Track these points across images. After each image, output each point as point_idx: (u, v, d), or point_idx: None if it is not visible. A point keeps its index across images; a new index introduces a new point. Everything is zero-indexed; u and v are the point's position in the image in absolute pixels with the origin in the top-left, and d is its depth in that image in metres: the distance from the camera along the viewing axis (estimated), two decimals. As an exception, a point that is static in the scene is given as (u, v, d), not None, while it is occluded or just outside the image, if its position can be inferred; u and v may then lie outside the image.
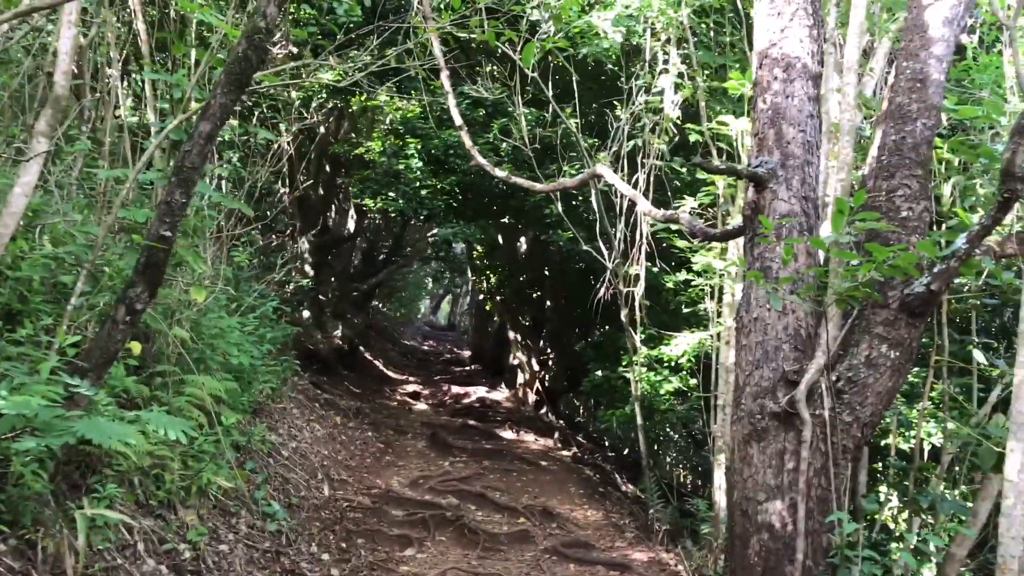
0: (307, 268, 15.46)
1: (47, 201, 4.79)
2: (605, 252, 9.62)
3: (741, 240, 7.74)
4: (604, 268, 9.88)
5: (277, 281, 14.49)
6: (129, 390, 5.15)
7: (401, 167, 9.87)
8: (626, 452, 17.86)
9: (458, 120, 6.70)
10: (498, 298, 15.48)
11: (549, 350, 15.28)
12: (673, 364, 10.12)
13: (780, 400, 5.08)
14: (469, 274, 22.95)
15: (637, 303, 9.58)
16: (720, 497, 8.17)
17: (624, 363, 10.37)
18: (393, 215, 23.45)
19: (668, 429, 10.80)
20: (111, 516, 3.65)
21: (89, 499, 3.84)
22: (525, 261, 14.84)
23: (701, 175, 8.24)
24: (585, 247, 9.67)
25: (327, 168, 15.61)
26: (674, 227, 8.55)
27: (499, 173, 6.75)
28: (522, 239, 15.61)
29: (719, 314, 9.00)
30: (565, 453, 12.41)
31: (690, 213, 7.87)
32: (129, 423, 3.76)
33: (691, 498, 9.58)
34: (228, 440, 5.83)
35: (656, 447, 11.96)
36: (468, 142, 6.63)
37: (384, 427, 12.05)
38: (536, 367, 15.43)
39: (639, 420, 9.78)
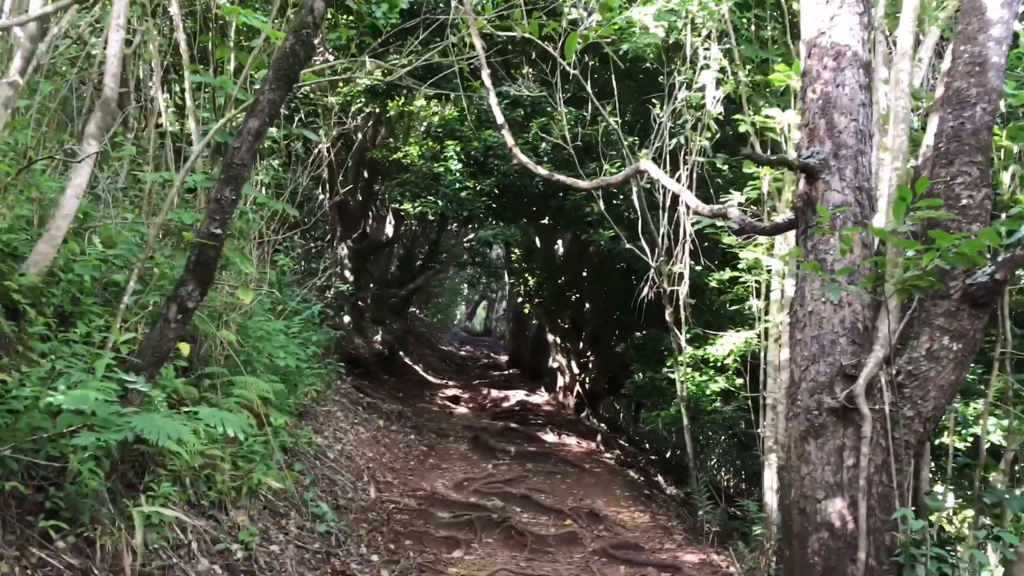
0: (347, 274, 15.53)
1: (96, 204, 4.80)
2: (648, 250, 9.51)
3: (790, 235, 7.62)
4: (646, 267, 9.78)
5: (318, 286, 14.57)
6: (178, 391, 5.16)
7: (440, 169, 9.85)
8: (669, 454, 17.70)
9: (500, 118, 6.64)
10: (536, 301, 15.41)
11: (589, 353, 15.16)
12: (719, 364, 9.97)
13: (838, 395, 4.94)
14: (506, 278, 22.92)
15: (681, 302, 9.45)
16: (771, 498, 8.03)
17: (668, 364, 10.25)
18: (431, 220, 23.51)
19: (714, 430, 10.64)
20: (167, 514, 3.63)
21: (145, 497, 3.82)
22: (564, 263, 14.75)
23: (748, 168, 8.11)
24: (627, 246, 9.57)
25: (365, 174, 15.67)
26: (719, 223, 8.42)
27: (540, 171, 6.67)
28: (560, 241, 15.54)
29: (766, 311, 8.85)
30: (608, 456, 12.30)
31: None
32: (185, 421, 3.74)
33: (739, 500, 9.42)
34: (276, 441, 5.81)
35: (701, 449, 11.80)
36: (510, 140, 6.57)
37: (426, 430, 12.02)
38: (576, 370, 15.32)
39: (685, 421, 9.64)
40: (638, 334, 12.00)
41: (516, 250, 15.29)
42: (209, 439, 5.00)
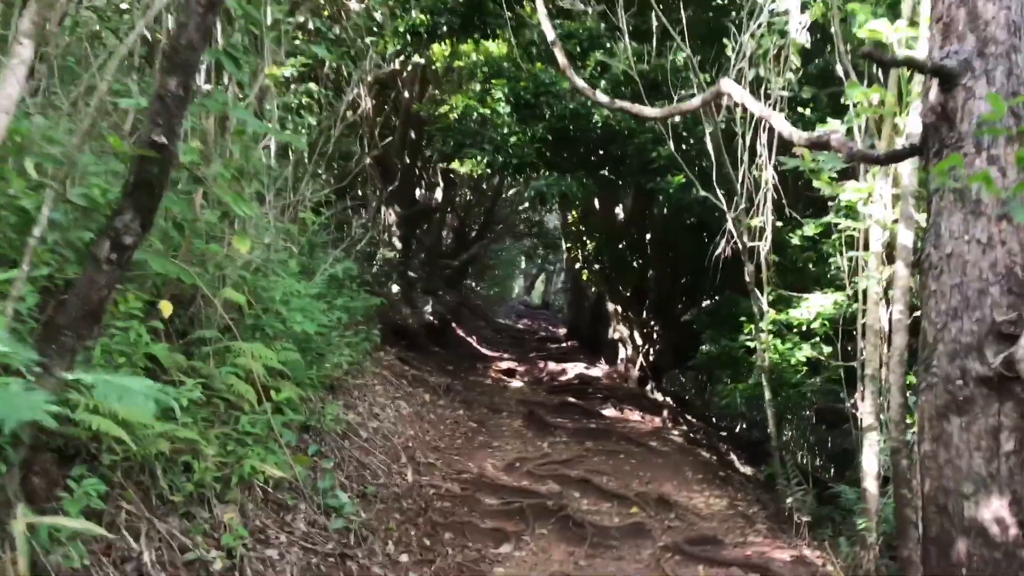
0: (394, 241, 14.51)
1: (40, 119, 3.76)
2: (723, 201, 8.22)
3: (903, 169, 6.27)
4: (720, 221, 8.51)
5: (361, 252, 13.57)
6: (159, 358, 4.14)
7: (487, 112, 8.68)
8: (738, 430, 16.40)
9: (550, 34, 5.46)
10: (595, 267, 14.18)
11: (653, 322, 13.91)
12: (804, 330, 8.68)
13: (990, 360, 3.65)
14: (563, 246, 21.72)
15: (763, 259, 8.15)
16: (871, 484, 6.77)
17: (746, 330, 8.97)
18: (484, 186, 22.43)
19: (798, 406, 9.35)
20: (67, 525, 2.58)
21: (72, 496, 2.79)
22: (625, 225, 13.48)
23: (851, 90, 6.75)
24: (701, 193, 8.30)
25: (412, 135, 14.59)
26: (811, 163, 7.09)
27: (601, 98, 5.48)
28: (619, 208, 14.27)
29: (860, 268, 7.55)
30: (675, 433, 11.08)
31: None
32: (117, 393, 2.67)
33: (829, 485, 8.14)
34: (281, 420, 4.76)
35: (784, 426, 10.48)
36: (562, 59, 5.37)
37: (477, 405, 10.96)
38: (639, 341, 14.09)
39: (767, 395, 8.37)
40: (709, 300, 10.70)
41: (573, 212, 14.07)
42: (192, 419, 3.97)
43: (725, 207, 8.04)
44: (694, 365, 14.10)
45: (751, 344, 8.96)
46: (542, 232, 25.96)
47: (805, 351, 8.79)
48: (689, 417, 13.23)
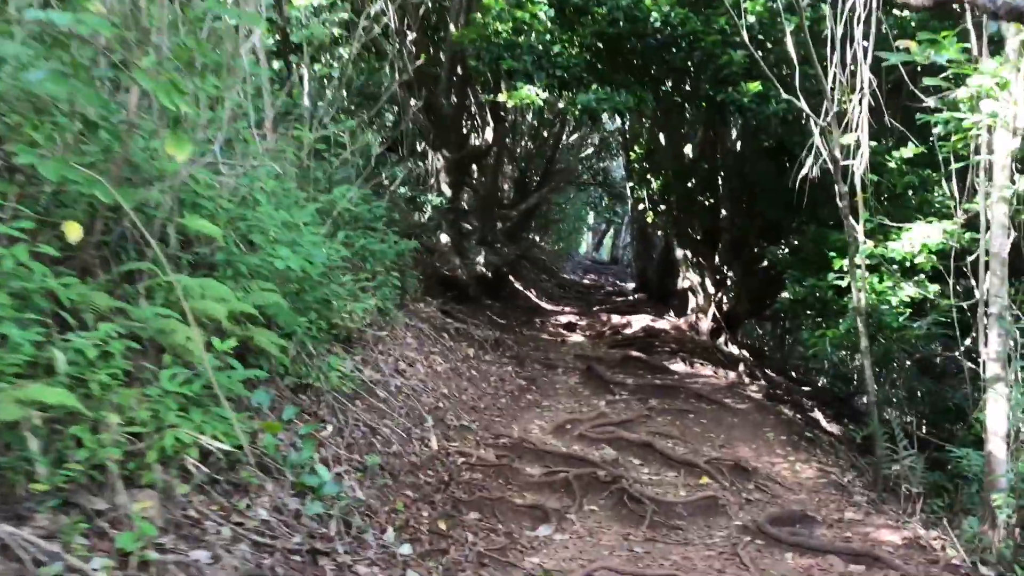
0: (443, 188, 13.37)
1: None
2: (808, 110, 6.80)
3: None
4: (804, 142, 7.10)
5: (403, 198, 12.47)
6: (65, 297, 3.09)
7: (525, 16, 7.39)
8: (820, 385, 14.96)
9: None
10: (661, 208, 12.79)
11: (726, 268, 12.49)
12: (907, 265, 7.25)
13: None
14: (627, 190, 20.26)
15: (858, 180, 6.73)
16: (997, 446, 5.42)
17: (836, 267, 7.57)
18: (543, 129, 21.09)
19: (898, 354, 7.92)
20: None
21: None
22: (694, 161, 12.04)
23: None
24: (781, 103, 6.91)
25: (459, 70, 13.35)
26: (918, 57, 5.62)
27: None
28: (688, 145, 12.81)
29: (971, 192, 6.13)
30: (753, 389, 9.75)
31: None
32: None
33: (942, 447, 6.74)
34: (241, 376, 3.68)
35: (882, 378, 9.03)
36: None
37: (529, 360, 9.82)
38: (711, 288, 12.71)
39: (863, 342, 6.99)
40: (791, 238, 9.25)
41: (636, 149, 12.69)
42: (103, 377, 2.91)
43: (811, 115, 6.62)
44: (774, 312, 12.68)
45: (842, 283, 7.56)
46: (607, 181, 24.49)
47: (907, 290, 7.37)
48: (768, 371, 11.86)
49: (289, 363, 4.80)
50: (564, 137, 22.63)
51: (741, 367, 10.65)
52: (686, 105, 8.77)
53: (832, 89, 6.64)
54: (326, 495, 3.74)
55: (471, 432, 6.30)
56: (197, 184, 4.64)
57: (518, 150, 22.37)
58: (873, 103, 6.66)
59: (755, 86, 7.16)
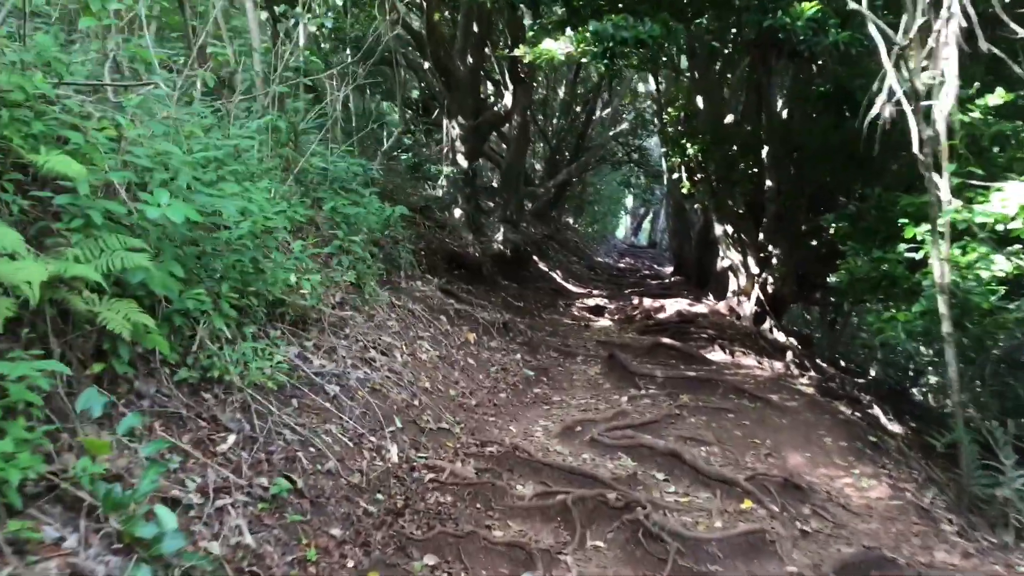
0: (459, 159, 12.01)
1: None
2: (879, 23, 5.31)
3: None
4: (868, 85, 5.62)
5: (407, 165, 11.14)
6: None
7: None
8: (875, 375, 13.37)
9: None
10: (699, 177, 11.27)
11: (770, 245, 10.96)
12: (1000, 232, 5.73)
13: None
14: (663, 164, 18.71)
15: (942, 124, 5.23)
16: None
17: (908, 235, 6.06)
18: (575, 103, 19.60)
19: (987, 341, 6.38)
20: None
21: None
22: (737, 123, 10.50)
23: None
24: (841, 34, 5.41)
25: (475, 28, 11.97)
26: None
27: None
28: (731, 116, 11.28)
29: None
30: (804, 382, 8.27)
31: None
32: None
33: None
34: (36, 367, 2.39)
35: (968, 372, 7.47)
36: None
37: (544, 347, 8.45)
38: (754, 268, 11.18)
39: (945, 327, 5.49)
40: (850, 204, 7.71)
41: (670, 111, 11.20)
42: None
43: (884, 30, 5.13)
44: (825, 293, 11.14)
45: (917, 255, 6.06)
46: (644, 160, 22.90)
47: (1000, 264, 5.85)
48: (819, 361, 10.34)
49: (173, 349, 3.50)
50: (597, 112, 21.15)
51: (789, 356, 9.18)
52: (726, 44, 7.28)
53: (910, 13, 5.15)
54: (164, 554, 2.42)
55: (451, 437, 4.95)
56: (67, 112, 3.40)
57: (549, 128, 20.96)
58: (964, 23, 5.16)
59: (810, 6, 5.67)
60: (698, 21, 6.82)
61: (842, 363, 13.72)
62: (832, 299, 12.48)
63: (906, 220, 6.20)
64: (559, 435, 5.53)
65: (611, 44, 6.07)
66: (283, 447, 3.64)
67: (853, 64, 6.41)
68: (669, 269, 20.41)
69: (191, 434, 3.33)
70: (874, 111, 5.30)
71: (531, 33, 7.34)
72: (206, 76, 4.31)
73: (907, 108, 5.35)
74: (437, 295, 7.91)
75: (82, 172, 3.19)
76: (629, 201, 36.08)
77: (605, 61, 9.87)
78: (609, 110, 21.24)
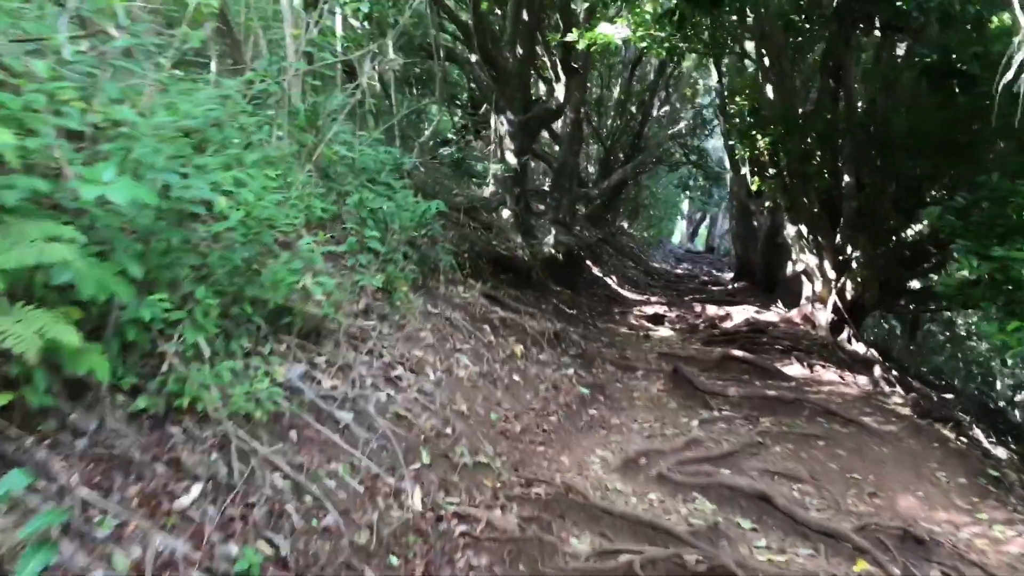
0: (508, 156, 11.16)
1: None
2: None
3: None
4: (982, 54, 4.59)
5: (448, 158, 10.31)
6: None
7: None
8: (962, 393, 12.20)
9: None
10: (769, 172, 10.22)
11: (849, 247, 9.86)
12: None
13: None
14: (726, 167, 17.64)
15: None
16: None
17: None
18: (629, 101, 18.62)
19: None
20: None
21: None
22: (812, 112, 9.42)
23: None
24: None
25: (525, 16, 11.11)
26: None
27: None
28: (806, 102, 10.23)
29: None
30: (897, 400, 7.20)
31: None
32: None
33: None
34: None
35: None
36: None
37: (599, 360, 7.53)
38: (830, 272, 10.09)
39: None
40: (954, 196, 6.62)
41: (738, 99, 10.19)
42: None
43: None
44: (916, 294, 10.01)
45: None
46: (703, 161, 21.75)
47: None
48: (907, 376, 9.23)
49: (126, 372, 2.70)
50: (654, 111, 20.11)
51: (877, 371, 8.09)
52: (803, 17, 6.28)
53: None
54: None
55: (490, 474, 4.06)
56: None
57: (603, 128, 20.01)
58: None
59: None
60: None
61: (930, 376, 12.55)
62: (913, 306, 11.34)
63: (1033, 212, 5.15)
64: (620, 469, 4.61)
65: (677, 14, 5.13)
66: (268, 497, 2.81)
67: (962, 27, 5.37)
68: (729, 275, 19.26)
69: (142, 484, 2.51)
70: (1011, 73, 4.28)
71: (587, 4, 6.45)
72: (188, 33, 3.52)
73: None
74: (480, 302, 7.04)
75: (8, 140, 2.42)
76: (685, 205, 34.89)
77: (667, 45, 8.95)
78: (667, 108, 20.19)
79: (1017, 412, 14.14)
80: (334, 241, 5.03)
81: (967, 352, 15.28)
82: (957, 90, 5.60)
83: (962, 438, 6.58)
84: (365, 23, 8.91)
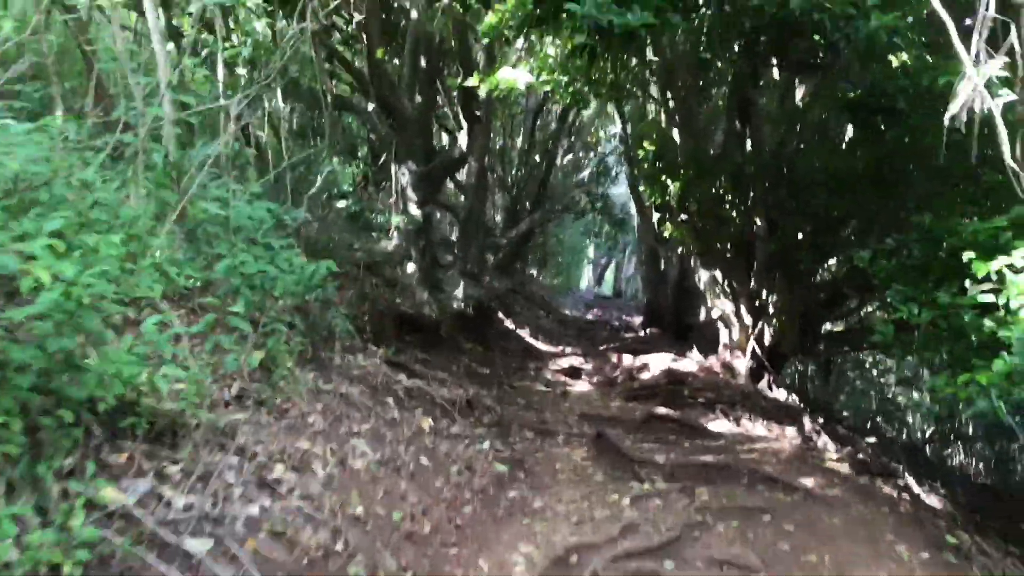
0: (411, 208, 10.46)
1: None
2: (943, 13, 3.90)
3: None
4: (909, 95, 4.20)
5: (345, 212, 9.52)
6: None
7: None
8: (886, 436, 12.07)
9: None
10: (680, 218, 9.83)
11: (765, 292, 9.52)
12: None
13: None
14: (632, 213, 17.40)
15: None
16: None
17: (981, 273, 4.60)
18: (532, 151, 18.25)
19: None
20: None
21: None
22: (722, 153, 9.09)
23: None
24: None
25: (423, 62, 10.53)
26: None
27: None
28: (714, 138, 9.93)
29: None
30: (833, 456, 6.72)
31: None
32: None
33: None
34: None
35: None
36: None
37: (518, 427, 6.82)
38: (747, 318, 9.71)
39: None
40: (882, 237, 6.23)
41: (646, 144, 9.80)
42: None
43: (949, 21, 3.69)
44: (835, 338, 9.71)
45: (994, 298, 4.59)
46: (607, 208, 21.55)
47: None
48: (833, 423, 8.85)
49: None
50: (558, 160, 19.81)
51: (807, 423, 7.64)
52: (717, 49, 5.86)
53: None
54: None
55: (391, 599, 3.27)
56: None
57: (508, 178, 19.59)
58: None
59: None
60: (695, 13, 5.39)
61: (848, 417, 12.34)
62: (836, 349, 11.10)
63: (972, 254, 4.75)
64: (548, 571, 3.87)
65: (587, 45, 4.58)
66: None
67: (887, 67, 5.01)
68: (639, 319, 18.92)
69: None
70: (953, 110, 3.84)
71: (488, 26, 5.86)
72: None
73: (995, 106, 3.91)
74: (383, 371, 6.26)
75: None
76: (591, 251, 34.90)
77: (571, 89, 8.47)
78: (571, 156, 19.94)
79: (928, 448, 14.10)
80: (197, 316, 4.20)
81: (879, 390, 15.27)
82: (883, 127, 5.25)
83: (905, 495, 6.12)
84: (246, 69, 8.12)
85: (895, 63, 5.04)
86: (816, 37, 5.29)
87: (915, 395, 15.29)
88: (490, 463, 5.56)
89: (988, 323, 4.75)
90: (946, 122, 3.76)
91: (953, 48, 3.97)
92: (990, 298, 4.62)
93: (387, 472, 4.52)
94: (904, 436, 14.04)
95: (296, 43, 6.93)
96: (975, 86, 3.84)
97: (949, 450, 14.36)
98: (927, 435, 14.11)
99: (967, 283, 4.78)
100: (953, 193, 5.62)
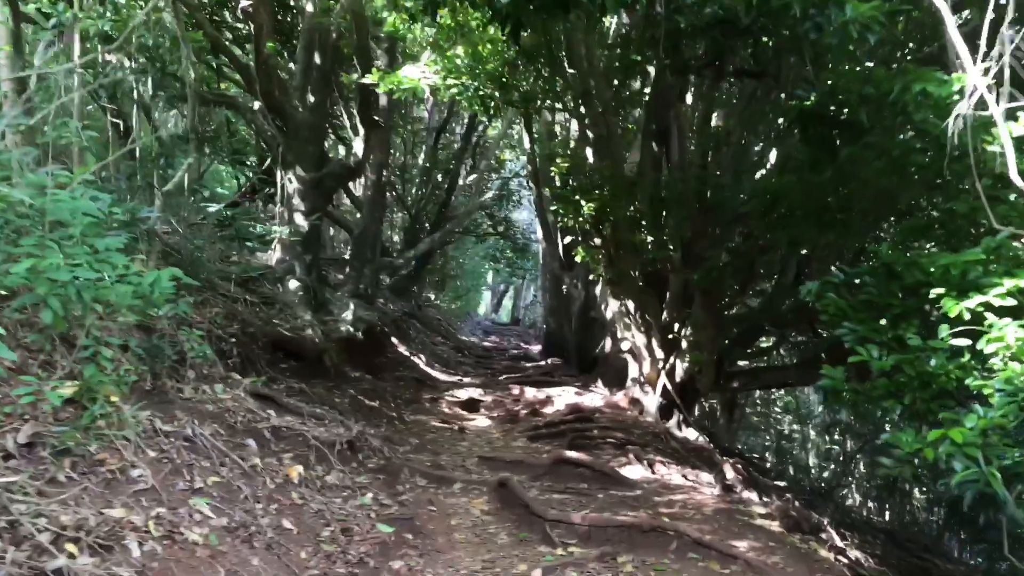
0: (297, 218, 9.34)
1: None
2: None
3: None
4: (872, 105, 3.53)
5: (211, 218, 8.28)
6: None
7: None
8: (788, 473, 11.65)
9: None
10: (593, 243, 9.07)
11: (677, 325, 8.84)
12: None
13: None
14: (536, 236, 16.66)
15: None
16: None
17: (952, 311, 3.93)
18: (434, 170, 17.32)
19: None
20: None
21: None
22: (638, 172, 8.37)
23: None
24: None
25: (317, 59, 9.48)
26: None
27: None
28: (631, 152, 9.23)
29: None
30: (760, 510, 6.00)
31: None
32: None
33: None
34: None
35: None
36: None
37: (408, 473, 5.79)
38: (659, 352, 9.01)
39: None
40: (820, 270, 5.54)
41: (558, 163, 9.03)
42: None
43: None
44: (749, 375, 9.13)
45: (970, 341, 3.94)
46: (508, 231, 20.85)
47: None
48: (751, 470, 8.20)
49: None
50: (460, 180, 18.98)
51: (729, 471, 6.92)
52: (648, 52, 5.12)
53: None
54: None
55: None
56: None
57: (408, 196, 18.62)
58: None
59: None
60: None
61: (755, 457, 11.85)
62: (750, 387, 10.57)
63: (943, 290, 4.09)
64: None
65: (507, 14, 3.72)
66: None
67: (849, 72, 4.34)
68: (538, 347, 18.15)
69: None
70: (961, 109, 3.14)
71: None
72: None
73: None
74: (247, 405, 5.15)
75: None
76: (490, 276, 34.15)
77: (480, 93, 7.61)
78: (474, 176, 19.13)
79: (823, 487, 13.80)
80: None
81: (777, 427, 14.99)
82: (838, 143, 4.59)
83: (842, 558, 5.44)
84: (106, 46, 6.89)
85: (856, 69, 4.39)
86: (764, 39, 4.59)
87: (811, 433, 15.10)
88: (373, 523, 4.53)
89: (955, 370, 4.10)
90: (948, 130, 3.03)
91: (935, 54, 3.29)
92: (966, 341, 3.96)
93: (234, 543, 3.45)
94: (797, 472, 13.69)
95: (153, 14, 5.83)
96: (975, 89, 3.16)
97: (844, 491, 14.09)
98: (821, 473, 13.80)
99: (938, 324, 4.13)
100: (911, 222, 5.00)
